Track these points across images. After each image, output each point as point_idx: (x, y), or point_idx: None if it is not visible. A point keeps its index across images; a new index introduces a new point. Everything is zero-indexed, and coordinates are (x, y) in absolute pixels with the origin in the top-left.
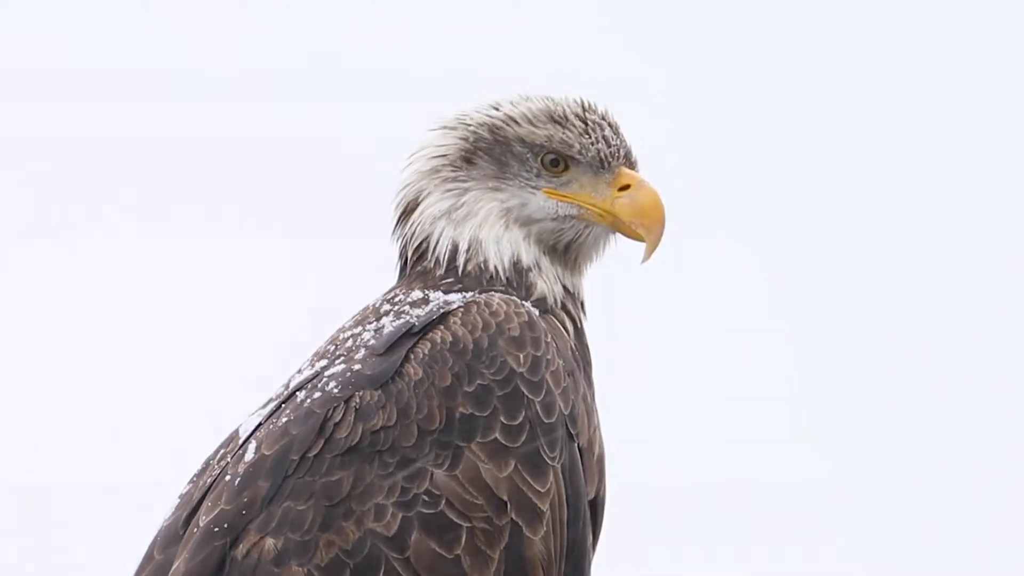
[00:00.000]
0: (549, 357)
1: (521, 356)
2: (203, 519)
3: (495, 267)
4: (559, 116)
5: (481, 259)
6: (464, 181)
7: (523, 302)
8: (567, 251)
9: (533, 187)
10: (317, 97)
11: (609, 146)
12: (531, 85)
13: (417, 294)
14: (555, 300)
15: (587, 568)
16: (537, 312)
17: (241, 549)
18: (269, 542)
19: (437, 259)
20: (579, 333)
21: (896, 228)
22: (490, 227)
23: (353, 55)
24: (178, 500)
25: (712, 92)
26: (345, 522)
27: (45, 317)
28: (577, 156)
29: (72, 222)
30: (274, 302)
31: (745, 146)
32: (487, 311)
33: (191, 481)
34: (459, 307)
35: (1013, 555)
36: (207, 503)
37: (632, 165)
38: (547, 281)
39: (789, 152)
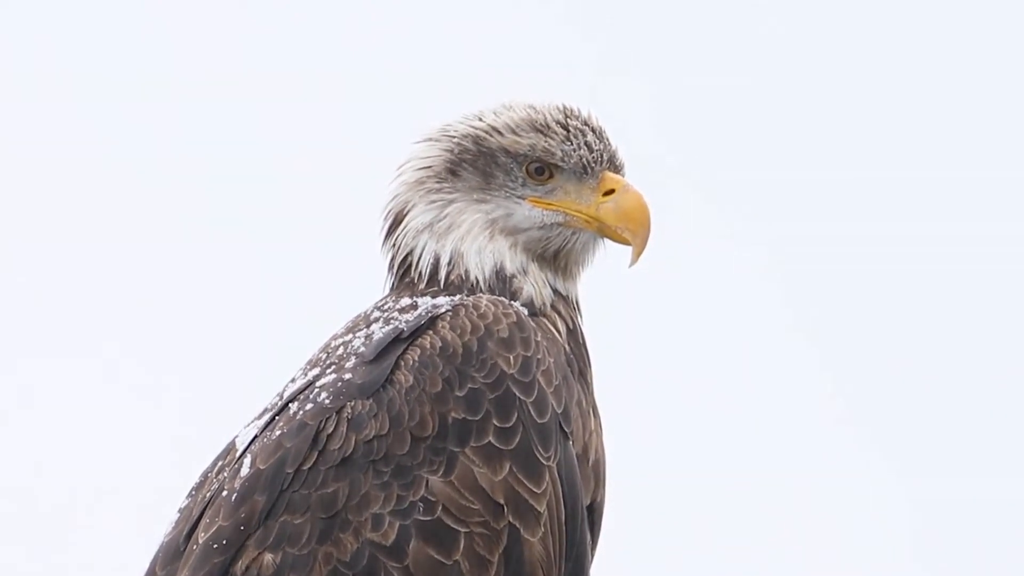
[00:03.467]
0: (540, 357)
1: (511, 357)
2: (202, 536)
3: (476, 277)
4: (541, 124)
5: (462, 270)
6: (449, 193)
7: (511, 303)
8: (556, 258)
9: (518, 196)
10: (313, 99)
11: (591, 151)
12: (521, 90)
13: (406, 301)
14: (544, 303)
15: (587, 569)
16: (526, 312)
17: (240, 565)
18: (268, 557)
19: (420, 272)
20: (573, 335)
21: (906, 227)
22: (473, 238)
23: (349, 58)
24: (178, 515)
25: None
26: (343, 533)
27: (45, 313)
28: (560, 163)
29: (72, 219)
30: (271, 305)
31: (739, 146)
32: (475, 314)
33: (190, 495)
34: (447, 311)
35: None
36: (205, 519)
37: (617, 169)
38: (535, 285)
39: (782, 151)
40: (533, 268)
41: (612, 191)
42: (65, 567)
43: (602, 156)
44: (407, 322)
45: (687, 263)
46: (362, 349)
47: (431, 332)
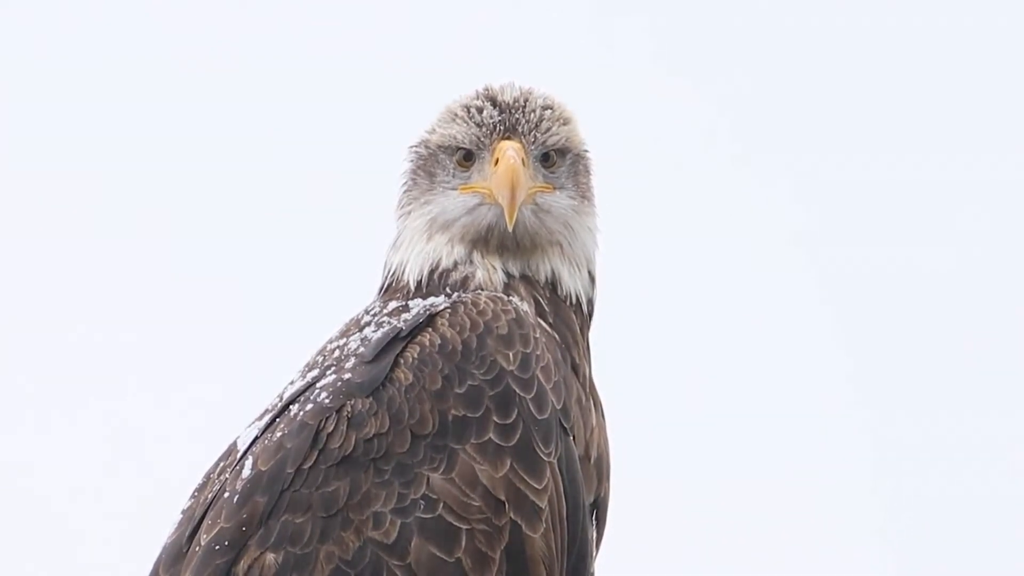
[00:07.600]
0: (539, 353)
1: (511, 354)
2: (204, 537)
3: (411, 281)
4: (454, 112)
5: (406, 278)
6: (409, 204)
7: (510, 299)
8: (496, 238)
9: (451, 188)
10: (311, 97)
11: (481, 126)
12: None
13: (393, 304)
14: (495, 287)
15: (590, 564)
16: (525, 308)
17: (242, 566)
18: (269, 557)
19: (380, 287)
20: (544, 313)
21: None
22: (413, 244)
23: (346, 54)
24: (180, 516)
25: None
26: (344, 532)
27: (43, 313)
28: (467, 146)
29: (69, 217)
30: (269, 309)
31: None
32: (474, 311)
33: (192, 496)
34: (446, 308)
35: None
36: (207, 520)
37: (522, 134)
38: (486, 270)
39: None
40: (477, 255)
41: (498, 160)
42: (65, 567)
43: (495, 127)
44: (405, 321)
45: (687, 259)
46: (360, 350)
47: (430, 330)
